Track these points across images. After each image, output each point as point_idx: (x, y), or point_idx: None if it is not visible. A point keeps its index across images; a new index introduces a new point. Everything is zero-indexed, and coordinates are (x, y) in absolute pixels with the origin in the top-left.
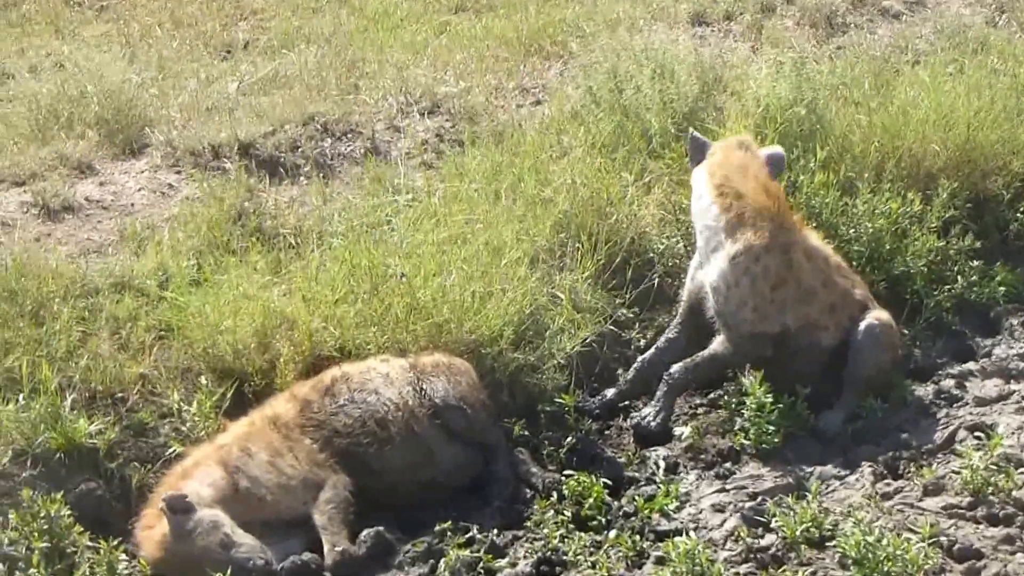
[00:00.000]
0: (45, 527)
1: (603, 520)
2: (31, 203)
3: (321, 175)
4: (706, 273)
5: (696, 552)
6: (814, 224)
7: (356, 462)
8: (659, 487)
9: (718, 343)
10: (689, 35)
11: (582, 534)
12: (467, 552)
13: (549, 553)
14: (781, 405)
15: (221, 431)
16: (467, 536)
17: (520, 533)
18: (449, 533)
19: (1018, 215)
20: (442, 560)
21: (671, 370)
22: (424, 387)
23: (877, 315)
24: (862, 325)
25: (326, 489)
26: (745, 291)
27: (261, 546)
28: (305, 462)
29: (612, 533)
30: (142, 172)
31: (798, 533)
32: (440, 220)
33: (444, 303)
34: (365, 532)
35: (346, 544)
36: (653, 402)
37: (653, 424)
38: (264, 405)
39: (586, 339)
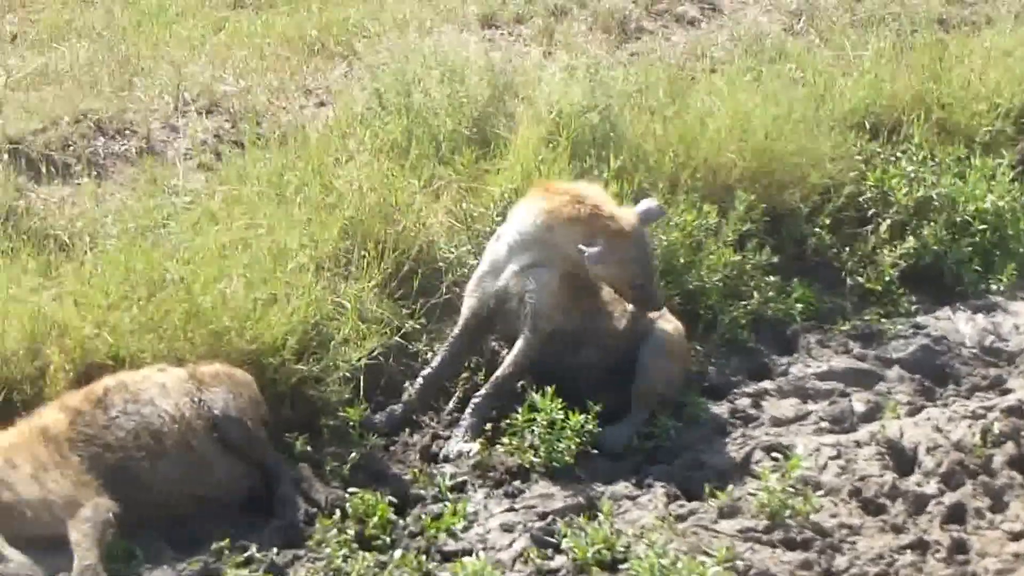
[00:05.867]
0: None
1: (388, 539)
2: None
3: (94, 175)
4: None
5: (483, 573)
6: None
7: (127, 476)
8: (446, 506)
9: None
10: (479, 38)
11: (366, 554)
12: (246, 572)
13: (331, 573)
14: (572, 421)
15: None
16: (246, 555)
17: (301, 553)
18: (227, 552)
19: (815, 229)
20: None
21: (476, 396)
22: (203, 398)
23: (664, 325)
24: (649, 336)
25: (86, 507)
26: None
27: (31, 563)
28: (70, 480)
29: (397, 553)
30: None
31: (589, 555)
32: (220, 224)
33: (224, 310)
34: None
35: (94, 561)
36: (461, 430)
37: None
38: (34, 415)
39: (372, 351)
